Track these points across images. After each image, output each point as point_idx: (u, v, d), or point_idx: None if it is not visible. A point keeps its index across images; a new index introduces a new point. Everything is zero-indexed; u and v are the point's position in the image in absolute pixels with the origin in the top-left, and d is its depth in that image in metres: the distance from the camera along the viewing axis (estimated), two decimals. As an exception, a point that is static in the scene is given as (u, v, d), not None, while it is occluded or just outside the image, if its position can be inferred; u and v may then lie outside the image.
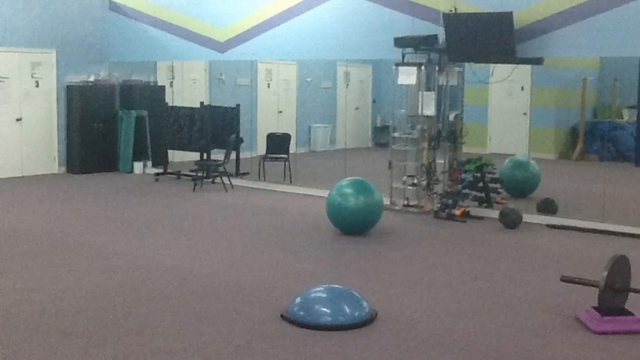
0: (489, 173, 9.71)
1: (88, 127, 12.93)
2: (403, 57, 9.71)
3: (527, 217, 8.95)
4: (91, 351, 4.70)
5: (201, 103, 12.44)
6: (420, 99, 9.65)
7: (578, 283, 5.59)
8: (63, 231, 8.30)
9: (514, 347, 4.90)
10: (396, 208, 9.78)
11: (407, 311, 5.58)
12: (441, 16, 9.39)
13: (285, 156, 12.26)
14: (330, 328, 5.11)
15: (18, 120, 12.44)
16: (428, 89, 9.67)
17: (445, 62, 9.63)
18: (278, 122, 15.07)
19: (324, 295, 5.40)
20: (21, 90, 12.47)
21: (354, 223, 8.18)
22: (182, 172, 12.48)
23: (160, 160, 12.94)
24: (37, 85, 12.66)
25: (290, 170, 12.09)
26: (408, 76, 9.60)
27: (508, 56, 8.98)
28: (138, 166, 13.18)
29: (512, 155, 11.30)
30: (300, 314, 5.25)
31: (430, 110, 9.59)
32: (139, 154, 13.21)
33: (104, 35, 13.49)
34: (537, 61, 9.80)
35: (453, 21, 9.22)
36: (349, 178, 8.56)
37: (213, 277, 6.47)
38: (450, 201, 9.30)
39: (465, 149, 10.07)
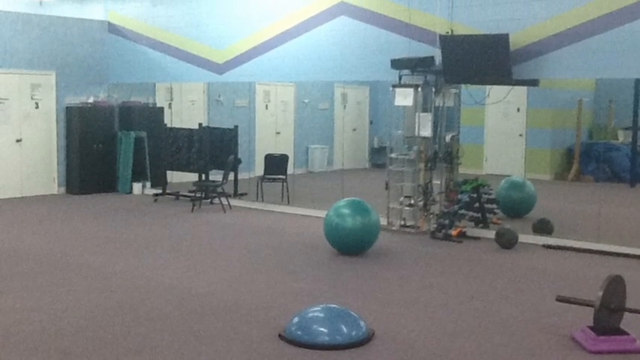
0: (485, 194, 9.77)
1: (87, 148, 13.01)
2: (400, 78, 9.81)
3: (523, 238, 8.99)
4: (90, 370, 4.74)
5: (200, 124, 12.49)
6: (417, 120, 9.71)
7: (574, 303, 5.62)
8: (62, 251, 8.34)
9: (510, 366, 4.94)
10: (393, 228, 9.82)
11: (404, 331, 5.61)
12: (438, 38, 9.50)
13: (283, 177, 12.27)
14: (328, 348, 5.14)
15: (18, 141, 12.51)
16: (424, 110, 9.74)
17: (442, 84, 9.70)
18: (276, 143, 15.10)
19: (321, 315, 5.43)
20: (21, 111, 12.54)
21: (352, 244, 8.22)
22: (181, 193, 12.53)
23: (159, 180, 12.98)
24: (37, 107, 12.73)
25: (288, 191, 12.12)
26: (404, 98, 9.69)
27: (504, 78, 9.07)
28: (137, 187, 13.24)
29: (508, 176, 11.36)
30: (297, 334, 5.27)
31: (427, 131, 9.66)
32: (137, 175, 13.26)
33: (103, 57, 13.59)
34: (533, 83, 9.88)
35: (449, 43, 9.32)
36: (346, 199, 8.58)
37: (212, 296, 6.50)
38: (447, 221, 9.34)
39: (461, 170, 10.12)
